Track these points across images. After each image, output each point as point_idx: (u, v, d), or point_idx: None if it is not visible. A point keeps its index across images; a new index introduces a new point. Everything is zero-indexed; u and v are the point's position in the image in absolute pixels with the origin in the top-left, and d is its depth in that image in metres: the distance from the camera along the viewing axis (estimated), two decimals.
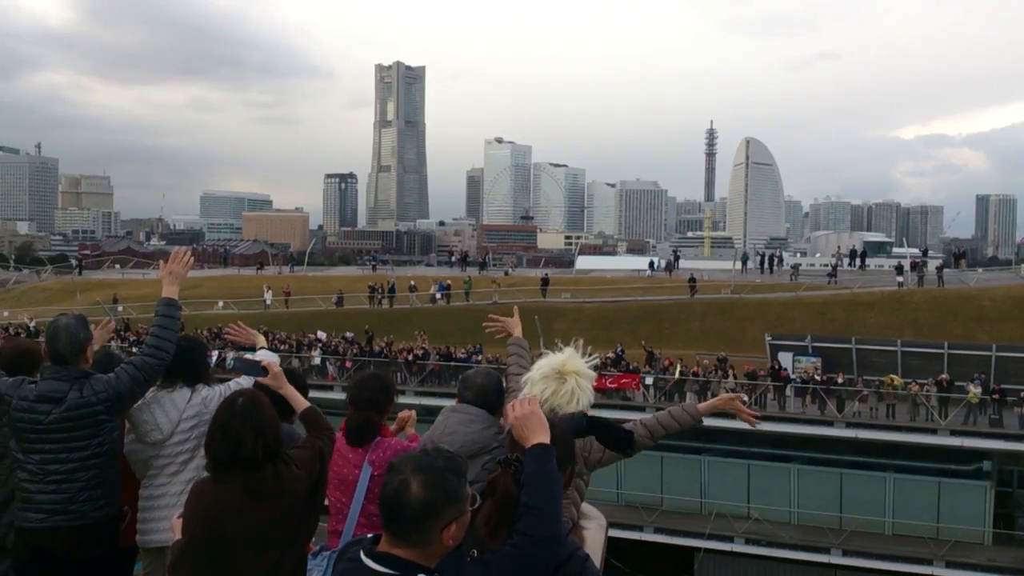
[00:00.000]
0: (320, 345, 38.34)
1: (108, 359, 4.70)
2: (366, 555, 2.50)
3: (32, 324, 43.40)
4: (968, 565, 27.97)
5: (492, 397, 4.34)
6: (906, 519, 29.90)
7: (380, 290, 50.70)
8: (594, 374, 4.03)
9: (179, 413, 4.35)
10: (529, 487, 2.76)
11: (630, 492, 31.83)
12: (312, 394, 4.76)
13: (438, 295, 50.20)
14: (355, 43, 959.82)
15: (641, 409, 31.51)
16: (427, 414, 4.60)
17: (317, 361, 37.24)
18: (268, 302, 50.31)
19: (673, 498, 32.10)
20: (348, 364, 35.61)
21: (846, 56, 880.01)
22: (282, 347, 37.69)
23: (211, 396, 4.42)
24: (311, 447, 3.64)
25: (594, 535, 3.93)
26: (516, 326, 5.09)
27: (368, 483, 4.15)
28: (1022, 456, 30.37)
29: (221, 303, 48.25)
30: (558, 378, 3.92)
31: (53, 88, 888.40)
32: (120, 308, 48.49)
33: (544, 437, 2.86)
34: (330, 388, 33.56)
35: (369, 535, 2.64)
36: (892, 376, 31.33)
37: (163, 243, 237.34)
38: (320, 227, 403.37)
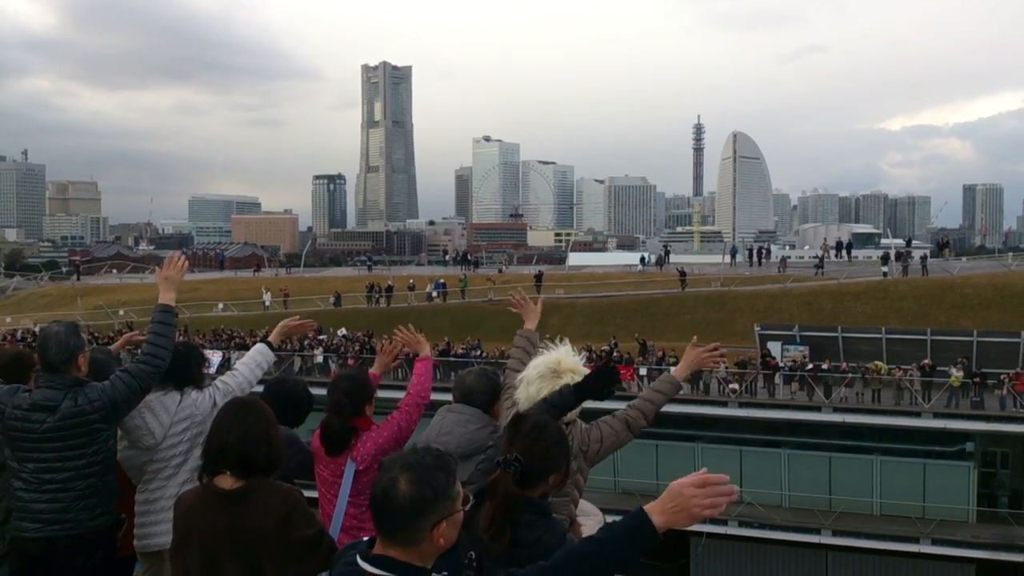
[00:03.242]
0: (322, 344, 39.06)
1: (103, 366, 4.64)
2: (362, 558, 2.50)
3: (37, 330, 43.97)
4: (953, 542, 28.92)
5: (479, 399, 4.44)
6: (893, 499, 30.75)
7: (378, 289, 51.52)
8: (588, 371, 3.95)
9: (170, 417, 4.35)
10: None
11: (626, 480, 32.61)
12: (317, 391, 4.96)
13: (434, 293, 51.00)
14: (341, 44, 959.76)
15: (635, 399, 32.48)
16: (427, 409, 4.72)
17: (320, 359, 38.04)
18: (267, 303, 50.95)
19: (668, 484, 32.89)
20: (350, 362, 36.38)
21: (833, 49, 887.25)
22: (286, 346, 38.55)
23: (201, 399, 4.46)
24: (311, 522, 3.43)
25: (592, 532, 4.16)
26: (531, 315, 4.90)
27: (352, 479, 4.18)
28: (1003, 437, 31.36)
29: (221, 305, 48.97)
30: (554, 377, 3.89)
31: (38, 94, 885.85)
32: (121, 312, 49.14)
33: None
34: None
35: (364, 538, 2.63)
36: (877, 362, 32.27)
37: (152, 247, 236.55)
38: (309, 229, 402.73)
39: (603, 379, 3.73)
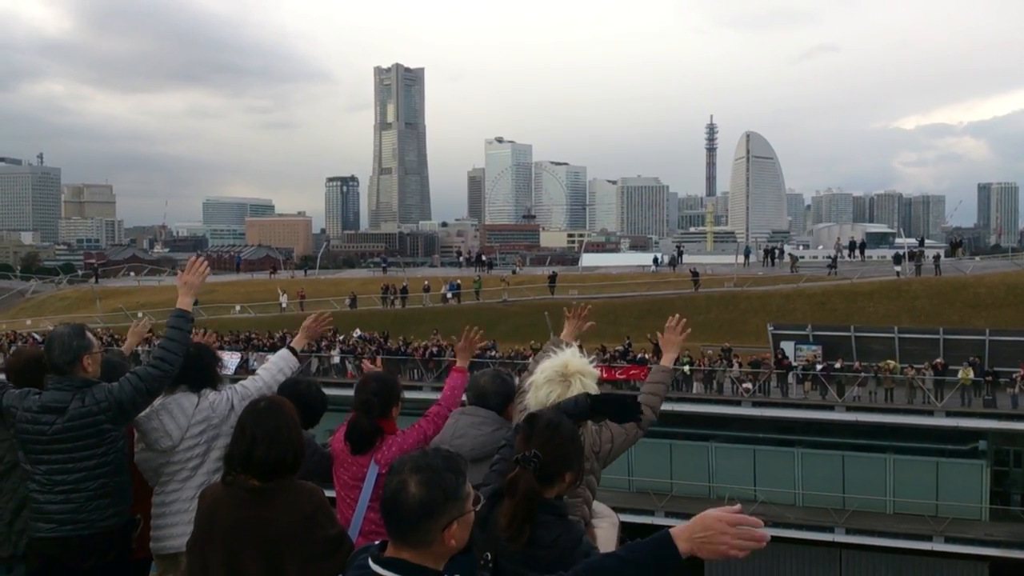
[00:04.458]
0: (340, 344, 39.42)
1: (116, 368, 4.64)
2: (373, 561, 2.50)
3: None
4: (966, 540, 29.04)
5: (493, 400, 4.40)
6: (906, 498, 30.89)
7: (393, 291, 51.92)
8: (597, 372, 3.93)
9: (188, 419, 4.37)
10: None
11: (641, 479, 32.88)
12: (332, 392, 4.94)
13: (449, 295, 51.35)
14: (354, 46, 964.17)
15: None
16: None
17: (337, 360, 38.42)
18: (284, 305, 51.46)
19: (682, 484, 33.09)
20: (366, 362, 36.69)
21: (845, 48, 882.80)
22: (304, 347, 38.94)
23: (218, 401, 4.46)
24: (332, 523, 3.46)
25: (606, 534, 3.90)
26: (574, 328, 4.83)
27: (375, 482, 4.18)
28: (1016, 435, 31.42)
29: (238, 307, 49.52)
30: (563, 381, 3.82)
31: (53, 98, 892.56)
32: (140, 315, 49.70)
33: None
34: (350, 386, 34.78)
35: (376, 542, 2.62)
36: (889, 361, 32.40)
37: (167, 250, 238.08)
38: (323, 231, 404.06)
39: (625, 411, 3.66)
